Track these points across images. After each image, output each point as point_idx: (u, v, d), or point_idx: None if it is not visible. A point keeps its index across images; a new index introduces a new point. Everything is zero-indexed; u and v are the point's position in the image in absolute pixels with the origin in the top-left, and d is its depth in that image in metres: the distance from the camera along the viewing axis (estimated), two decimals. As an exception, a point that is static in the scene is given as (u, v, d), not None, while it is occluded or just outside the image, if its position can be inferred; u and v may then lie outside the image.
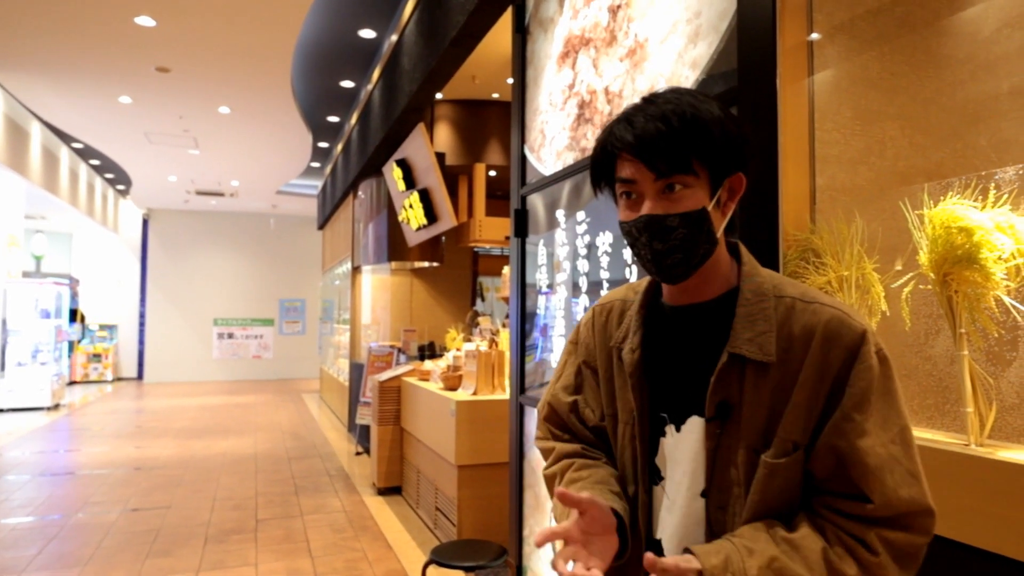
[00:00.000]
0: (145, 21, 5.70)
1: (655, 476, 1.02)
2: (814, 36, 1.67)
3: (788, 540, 0.88)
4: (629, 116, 0.96)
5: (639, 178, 0.94)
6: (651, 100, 0.96)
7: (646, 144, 0.91)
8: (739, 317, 0.96)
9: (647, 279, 1.10)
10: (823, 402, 0.91)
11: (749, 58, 1.71)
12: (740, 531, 0.91)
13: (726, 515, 0.95)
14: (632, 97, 2.29)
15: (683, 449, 0.99)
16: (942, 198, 1.30)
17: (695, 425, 0.97)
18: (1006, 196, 1.23)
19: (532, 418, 3.07)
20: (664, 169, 0.91)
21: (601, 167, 1.00)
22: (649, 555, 0.83)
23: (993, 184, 1.26)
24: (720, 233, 0.98)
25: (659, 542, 1.01)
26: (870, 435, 0.88)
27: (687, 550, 0.89)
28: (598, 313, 1.17)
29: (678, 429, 0.99)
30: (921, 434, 1.32)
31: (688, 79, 2.01)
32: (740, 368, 0.94)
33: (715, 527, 0.95)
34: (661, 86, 2.16)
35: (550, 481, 1.14)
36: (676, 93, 0.95)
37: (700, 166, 0.93)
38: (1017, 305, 1.20)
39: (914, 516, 0.87)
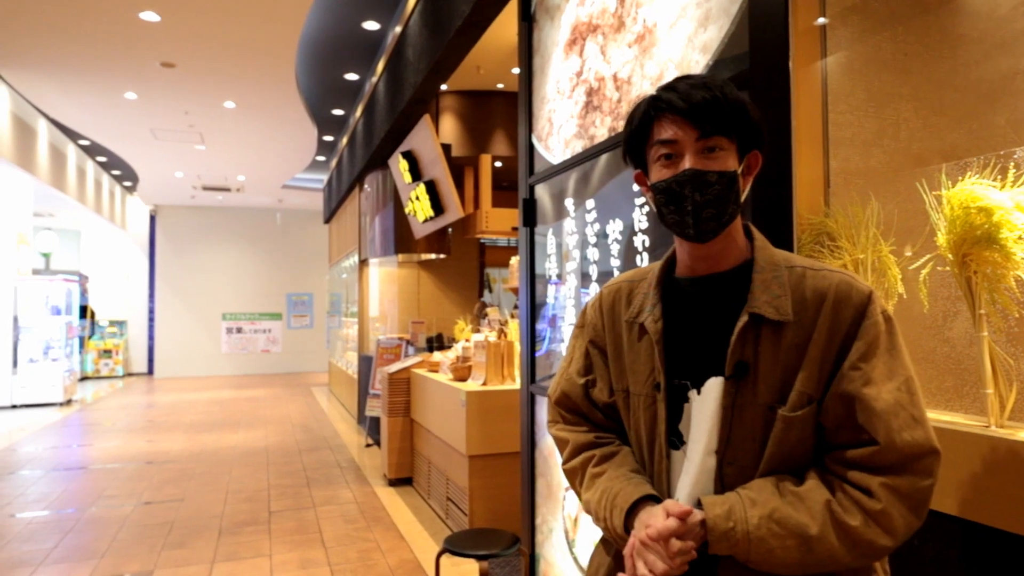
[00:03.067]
0: (149, 16, 5.70)
1: (677, 441, 1.08)
2: (823, 20, 1.65)
3: (794, 492, 0.95)
4: (671, 86, 1.05)
5: (681, 138, 1.02)
6: (682, 79, 1.06)
7: (695, 105, 1.00)
8: (755, 283, 1.03)
9: (658, 263, 1.18)
10: (834, 357, 0.98)
11: (761, 41, 1.70)
12: (750, 484, 0.98)
13: (736, 470, 1.01)
14: (641, 83, 2.28)
15: (701, 410, 1.04)
16: (960, 178, 1.28)
17: (713, 385, 1.03)
18: (1025, 175, 1.22)
19: (543, 407, 3.07)
20: (709, 129, 1.01)
21: (639, 132, 1.08)
22: (657, 524, 0.95)
23: (1012, 163, 1.25)
24: (743, 200, 1.07)
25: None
26: (876, 383, 0.94)
27: (699, 502, 0.98)
28: (605, 295, 1.24)
29: (699, 392, 1.05)
30: (940, 416, 1.31)
31: (699, 64, 1.99)
32: (757, 328, 1.01)
33: (726, 481, 1.01)
34: (671, 72, 2.14)
35: (571, 475, 1.21)
36: (701, 77, 1.05)
37: (733, 135, 1.03)
38: (1037, 285, 1.19)
39: (918, 458, 0.92)
